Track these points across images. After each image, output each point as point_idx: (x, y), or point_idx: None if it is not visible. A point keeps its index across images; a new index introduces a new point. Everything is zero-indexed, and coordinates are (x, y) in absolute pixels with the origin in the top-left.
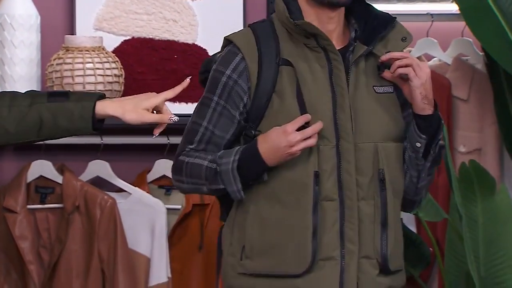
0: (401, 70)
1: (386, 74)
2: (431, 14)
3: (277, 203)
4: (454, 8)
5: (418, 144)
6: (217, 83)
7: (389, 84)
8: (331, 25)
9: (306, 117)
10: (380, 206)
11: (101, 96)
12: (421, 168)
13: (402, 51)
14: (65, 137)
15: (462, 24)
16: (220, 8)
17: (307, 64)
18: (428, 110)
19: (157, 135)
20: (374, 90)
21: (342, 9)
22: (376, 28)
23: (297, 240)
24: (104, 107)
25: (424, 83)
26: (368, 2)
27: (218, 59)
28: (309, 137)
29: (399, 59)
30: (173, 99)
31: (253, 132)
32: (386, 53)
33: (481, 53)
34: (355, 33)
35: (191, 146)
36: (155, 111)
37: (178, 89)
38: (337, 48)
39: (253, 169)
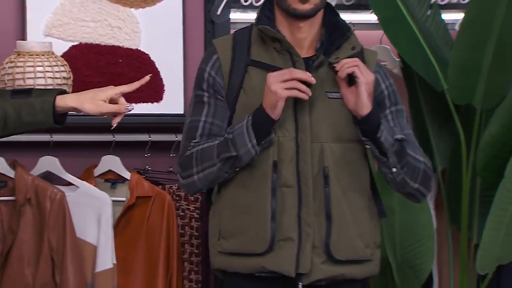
0: (348, 70)
1: (338, 77)
2: (353, 23)
3: (243, 189)
4: (373, 18)
5: (367, 146)
6: (202, 80)
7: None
8: (301, 34)
9: (290, 71)
10: (324, 200)
11: (62, 92)
12: (389, 164)
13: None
14: (29, 130)
15: (380, 32)
16: (161, 17)
17: (273, 65)
18: (369, 107)
19: (115, 125)
20: (327, 96)
21: (314, 20)
22: (336, 39)
23: (258, 222)
24: (64, 100)
25: (370, 81)
26: (337, 12)
27: (202, 59)
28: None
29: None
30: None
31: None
32: (335, 59)
33: (397, 59)
34: (320, 44)
35: (194, 141)
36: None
37: (135, 85)
38: (307, 55)
39: (263, 124)
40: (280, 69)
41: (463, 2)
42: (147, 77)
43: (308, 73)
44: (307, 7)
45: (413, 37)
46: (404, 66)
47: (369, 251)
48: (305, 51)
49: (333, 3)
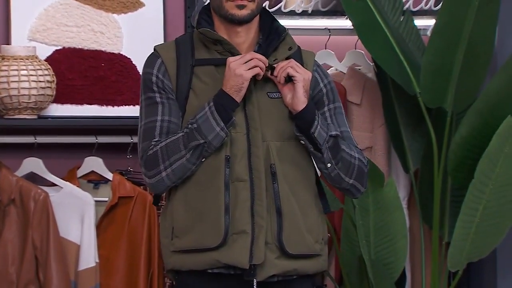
0: (283, 74)
1: (278, 80)
2: (329, 29)
3: (196, 185)
4: (348, 24)
5: (302, 142)
6: (150, 83)
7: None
8: (238, 38)
9: (252, 54)
10: (274, 197)
11: None
12: (323, 160)
13: (287, 58)
14: None
15: (355, 38)
16: (142, 22)
17: (217, 65)
18: (305, 102)
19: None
20: (268, 96)
21: (251, 25)
22: (272, 41)
23: (212, 216)
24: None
25: (306, 78)
26: (273, 16)
27: (144, 64)
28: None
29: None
30: (100, 102)
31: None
32: (274, 60)
33: (371, 63)
34: (259, 47)
35: (155, 140)
36: None
37: None
38: None
39: (227, 106)
40: (224, 60)
41: (435, 8)
42: None
43: (263, 56)
44: (244, 12)
45: (387, 42)
46: (378, 70)
47: (318, 246)
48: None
49: (310, 9)
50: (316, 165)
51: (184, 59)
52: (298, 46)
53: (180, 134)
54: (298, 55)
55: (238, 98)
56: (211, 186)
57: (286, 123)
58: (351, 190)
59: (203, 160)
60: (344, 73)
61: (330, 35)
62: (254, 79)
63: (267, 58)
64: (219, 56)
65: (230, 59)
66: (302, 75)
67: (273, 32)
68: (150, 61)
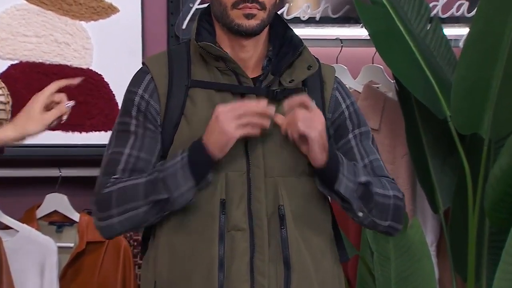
0: (294, 134)
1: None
2: (341, 39)
3: (185, 233)
4: (364, 33)
5: (329, 197)
6: (131, 104)
7: None
8: (244, 53)
9: (244, 105)
10: (281, 245)
11: None
12: (354, 210)
13: (304, 82)
14: None
15: (372, 50)
16: (116, 31)
17: (220, 82)
18: (323, 159)
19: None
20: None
21: (259, 38)
22: (286, 55)
23: (203, 271)
24: (4, 132)
25: (320, 130)
26: (286, 23)
27: (130, 82)
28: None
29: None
30: (65, 128)
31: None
32: (290, 82)
33: (392, 80)
34: (268, 61)
35: (115, 176)
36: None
37: (62, 83)
38: (252, 76)
39: (203, 164)
40: (228, 86)
41: (468, 15)
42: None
43: (265, 103)
44: (252, 23)
45: (410, 55)
46: (399, 88)
47: None
48: (250, 72)
49: (317, 16)
50: (346, 213)
51: (178, 77)
52: (319, 61)
53: (143, 180)
54: (317, 72)
55: (219, 155)
56: (203, 235)
57: (297, 154)
58: (388, 231)
59: (165, 213)
60: (359, 93)
61: (342, 46)
62: (268, 96)
63: (279, 76)
64: (219, 74)
65: (219, 108)
66: (317, 129)
67: (287, 44)
68: (137, 78)
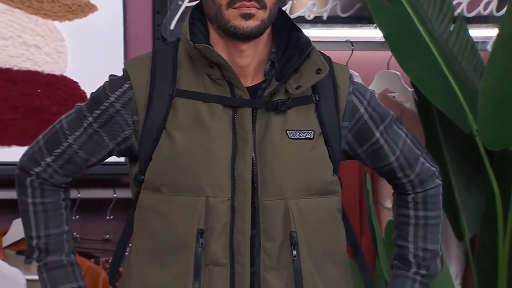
0: None
1: None
2: (351, 42)
3: (159, 264)
4: (378, 34)
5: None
6: (97, 105)
7: (308, 128)
8: (242, 59)
9: None
10: (294, 278)
11: None
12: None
13: (314, 86)
14: None
15: (387, 54)
16: (94, 31)
17: (209, 93)
18: None
19: None
20: (287, 135)
21: (260, 40)
22: (291, 58)
23: None
24: None
25: None
26: (292, 20)
27: (104, 83)
28: None
29: None
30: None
31: (142, 177)
32: (296, 88)
33: (410, 89)
34: (271, 66)
35: (47, 160)
36: None
37: None
38: (252, 84)
39: None
40: (218, 98)
41: (497, 14)
42: None
43: None
44: (251, 24)
45: (431, 60)
46: (419, 98)
47: None
48: (250, 80)
49: (325, 15)
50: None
51: (161, 85)
52: (330, 61)
53: (34, 239)
54: (329, 75)
55: None
56: (176, 269)
57: (313, 173)
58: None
59: None
60: None
61: (353, 49)
62: (267, 107)
63: (285, 82)
64: (210, 82)
65: None
66: None
67: (293, 45)
68: (115, 83)
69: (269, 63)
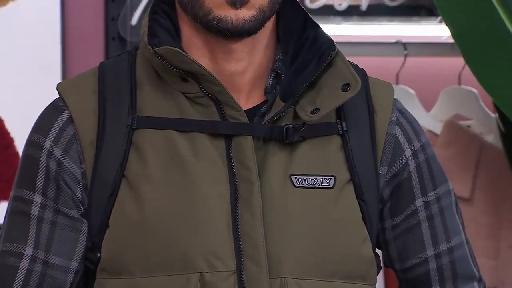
0: None
1: None
2: (403, 43)
3: None
4: (443, 33)
5: None
6: (33, 169)
7: (326, 172)
8: (231, 64)
9: None
10: None
11: None
12: None
13: (338, 109)
14: None
15: (458, 61)
16: (18, 28)
17: (185, 117)
18: None
19: None
20: (292, 183)
21: (259, 38)
22: (306, 67)
23: None
24: None
25: None
26: (305, 12)
27: (33, 125)
28: None
29: None
30: None
31: (97, 254)
32: (312, 112)
33: (493, 114)
34: (275, 79)
35: None
36: None
37: None
38: (247, 106)
39: None
40: (201, 125)
41: None
42: None
43: None
44: (244, 14)
45: None
46: (506, 128)
47: None
48: (244, 98)
49: (364, 4)
50: None
51: (115, 112)
52: (365, 75)
53: None
54: (362, 92)
55: None
56: None
57: (332, 239)
58: None
59: None
60: (436, 135)
61: (406, 55)
62: (270, 135)
63: (295, 103)
64: (187, 104)
65: None
66: None
67: (307, 48)
68: (45, 119)
69: (272, 75)
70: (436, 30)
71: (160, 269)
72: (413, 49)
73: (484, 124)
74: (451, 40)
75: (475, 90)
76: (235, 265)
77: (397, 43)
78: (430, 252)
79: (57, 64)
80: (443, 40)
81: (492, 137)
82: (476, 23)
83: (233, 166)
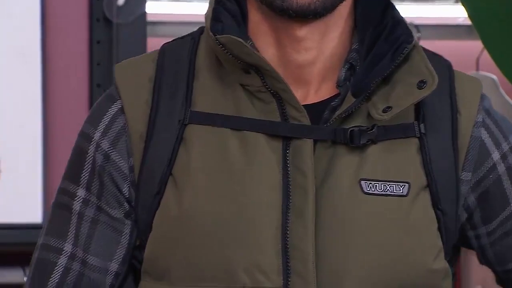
0: None
1: None
2: (416, 25)
3: None
4: (459, 13)
5: None
6: (81, 160)
7: (400, 179)
8: (300, 54)
9: None
10: None
11: None
12: None
13: (419, 106)
14: None
15: (476, 45)
16: None
17: (241, 116)
18: None
19: None
20: (361, 188)
21: (331, 22)
22: (380, 60)
23: None
24: None
25: None
26: None
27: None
28: None
29: None
30: None
31: (143, 253)
32: (384, 111)
33: None
34: (349, 71)
35: None
36: None
37: None
38: (315, 99)
39: None
40: (259, 124)
41: None
42: None
43: None
44: None
45: None
46: None
47: None
48: (313, 91)
49: None
50: None
51: (168, 105)
52: (450, 70)
53: None
54: (445, 89)
55: None
56: None
57: (403, 252)
58: None
59: None
60: None
61: (419, 37)
62: (335, 138)
63: (367, 100)
64: (245, 97)
65: None
66: None
67: (385, 37)
68: (98, 108)
69: (346, 66)
70: (452, 11)
71: (200, 279)
72: (427, 31)
73: (504, 112)
74: (468, 22)
75: (494, 77)
76: (282, 281)
77: (409, 25)
78: None
79: (36, 47)
80: (459, 22)
81: None
82: (496, 3)
83: (289, 172)
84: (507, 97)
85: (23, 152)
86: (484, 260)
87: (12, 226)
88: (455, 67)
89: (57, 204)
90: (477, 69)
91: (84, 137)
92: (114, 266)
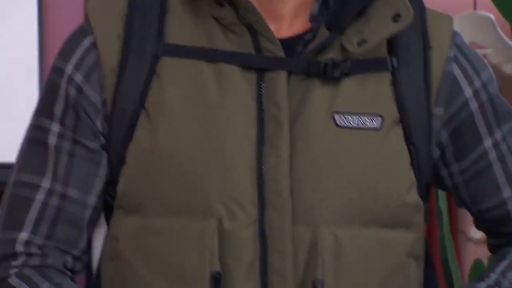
0: None
1: None
2: None
3: None
4: None
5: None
6: (54, 94)
7: (372, 111)
8: (281, 3)
9: None
10: None
11: None
12: None
13: (390, 40)
14: None
15: None
16: None
17: (216, 48)
18: None
19: None
20: (335, 121)
21: None
22: None
23: None
24: None
25: None
26: None
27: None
28: None
29: None
30: None
31: (116, 189)
32: (358, 44)
33: (511, 42)
34: (322, 5)
35: (24, 237)
36: None
37: None
38: (289, 33)
39: None
40: (233, 56)
41: None
42: None
43: None
44: None
45: None
46: None
47: None
48: (286, 26)
49: None
50: None
51: (141, 38)
52: (422, 6)
53: None
54: (416, 26)
55: None
56: None
57: (374, 184)
58: None
59: None
60: None
61: None
62: (309, 71)
63: (341, 33)
64: (220, 31)
65: None
66: None
67: None
68: (69, 42)
69: (319, 1)
70: None
71: (175, 211)
72: None
73: (501, 53)
74: None
75: (492, 16)
76: (257, 213)
77: None
78: (507, 193)
79: (34, 56)
80: None
81: (510, 67)
82: None
83: (263, 104)
84: (504, 37)
85: None
86: (459, 200)
87: None
88: (452, 6)
89: (30, 140)
90: (475, 8)
91: (56, 71)
92: (92, 199)
